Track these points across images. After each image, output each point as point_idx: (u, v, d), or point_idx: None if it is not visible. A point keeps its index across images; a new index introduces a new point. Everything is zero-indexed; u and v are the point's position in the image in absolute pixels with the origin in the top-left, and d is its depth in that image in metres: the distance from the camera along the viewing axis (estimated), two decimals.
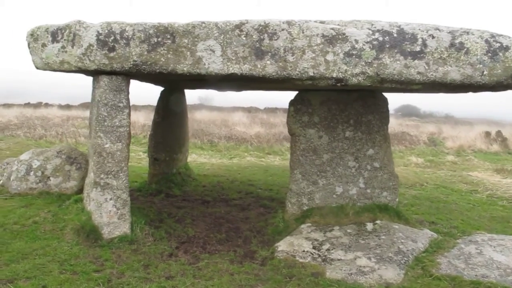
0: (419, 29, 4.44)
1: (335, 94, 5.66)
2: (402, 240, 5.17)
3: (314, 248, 5.06)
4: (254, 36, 4.64)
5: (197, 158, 12.09)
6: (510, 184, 8.65)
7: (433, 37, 4.39)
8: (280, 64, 4.59)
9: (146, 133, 15.61)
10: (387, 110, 5.81)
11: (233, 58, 4.69)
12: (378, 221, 5.60)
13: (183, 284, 4.22)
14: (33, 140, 13.19)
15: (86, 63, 5.09)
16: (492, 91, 4.66)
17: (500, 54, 4.28)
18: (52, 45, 5.35)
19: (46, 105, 31.72)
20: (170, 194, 7.35)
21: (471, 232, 5.79)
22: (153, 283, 4.20)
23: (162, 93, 7.68)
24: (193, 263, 4.77)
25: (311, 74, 4.55)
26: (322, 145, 5.73)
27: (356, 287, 4.31)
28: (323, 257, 4.86)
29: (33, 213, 5.81)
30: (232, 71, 4.71)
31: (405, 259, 4.81)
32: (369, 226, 5.52)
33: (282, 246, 5.10)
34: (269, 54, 4.61)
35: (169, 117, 7.69)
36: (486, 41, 4.32)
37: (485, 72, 4.30)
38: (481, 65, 4.30)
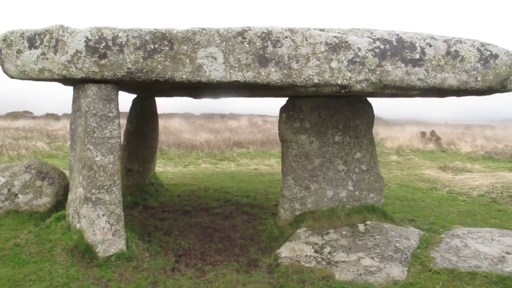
0: (417, 38, 4.67)
1: (325, 100, 5.79)
2: (397, 239, 5.38)
3: (316, 252, 5.13)
4: (257, 44, 4.62)
5: None
6: (463, 180, 9.33)
7: (430, 46, 4.64)
8: (285, 71, 4.61)
9: None
10: (373, 115, 6.04)
11: (236, 65, 4.64)
12: (368, 222, 5.78)
13: None
14: None
15: (72, 71, 4.79)
16: (482, 95, 5.01)
17: (491, 61, 4.61)
18: (29, 51, 4.99)
19: None
20: (148, 205, 7.09)
21: (450, 227, 6.16)
22: None
23: (135, 101, 7.39)
24: (200, 276, 4.65)
25: (316, 81, 4.62)
26: (313, 150, 5.83)
27: (367, 286, 4.44)
28: (327, 260, 4.94)
29: (10, 235, 5.36)
30: (235, 79, 4.66)
31: (404, 256, 5.02)
32: (361, 227, 5.69)
33: (284, 252, 5.12)
34: (273, 61, 4.62)
35: (143, 125, 7.42)
36: (478, 49, 4.64)
37: (478, 78, 4.62)
38: (475, 72, 4.61)
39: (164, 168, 11.52)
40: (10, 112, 27.60)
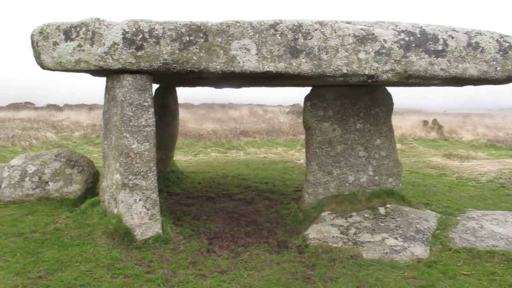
0: (439, 30, 4.92)
1: (347, 89, 6.05)
2: (417, 221, 5.68)
3: (342, 233, 5.41)
4: (289, 36, 4.85)
5: None
6: (471, 167, 9.64)
7: (452, 38, 4.90)
8: (315, 62, 4.86)
9: (98, 133, 15.09)
10: (392, 103, 6.32)
11: (269, 56, 4.88)
12: (388, 205, 6.06)
13: (240, 277, 4.35)
14: None
15: (109, 62, 5.00)
16: (500, 84, 5.28)
17: (510, 52, 4.89)
18: (65, 43, 5.17)
19: None
20: (171, 192, 7.34)
21: (464, 210, 6.46)
22: (213, 279, 4.30)
23: (158, 91, 7.60)
24: (235, 256, 4.90)
25: (345, 71, 4.86)
26: (336, 137, 6.10)
27: (394, 264, 4.71)
28: (353, 241, 5.22)
29: (47, 220, 5.61)
30: (268, 69, 4.89)
31: (425, 236, 5.32)
32: (382, 210, 5.97)
33: (312, 233, 5.40)
34: (304, 52, 4.86)
35: (166, 115, 7.64)
36: (497, 41, 4.91)
37: (498, 68, 4.89)
38: (494, 62, 4.88)
39: (175, 157, 11.74)
40: (12, 103, 27.67)
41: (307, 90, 6.47)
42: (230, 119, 19.72)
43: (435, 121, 18.37)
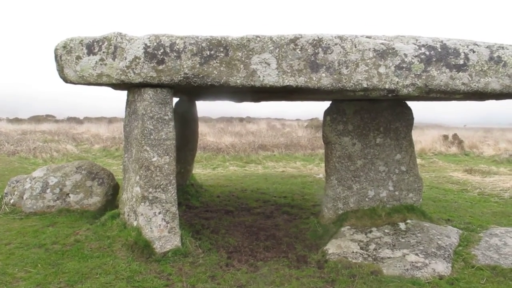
0: (460, 44, 4.88)
1: (367, 104, 6.03)
2: (438, 237, 5.58)
3: (361, 248, 5.35)
4: (309, 50, 4.86)
5: None
6: (493, 182, 9.48)
7: (473, 52, 4.85)
8: (335, 76, 4.85)
9: (118, 146, 15.26)
10: (412, 118, 6.27)
11: (289, 70, 4.89)
12: (408, 221, 5.98)
13: None
14: (6, 156, 12.50)
15: (131, 76, 5.07)
16: None
17: None
18: (88, 57, 5.27)
19: None
20: (190, 205, 7.36)
21: (487, 227, 6.34)
22: None
23: (177, 104, 7.68)
24: (254, 271, 4.88)
25: (365, 85, 4.85)
26: (356, 152, 6.07)
27: (415, 281, 4.63)
28: (373, 257, 5.15)
29: (68, 232, 5.66)
30: (288, 83, 4.90)
31: (447, 253, 5.22)
32: (402, 225, 5.90)
33: (331, 249, 5.34)
34: (324, 67, 4.86)
35: (185, 128, 7.71)
36: None
37: None
38: None
39: (194, 170, 11.80)
40: (33, 116, 28.22)
41: (325, 104, 6.47)
42: (248, 133, 19.81)
43: (455, 136, 18.13)
